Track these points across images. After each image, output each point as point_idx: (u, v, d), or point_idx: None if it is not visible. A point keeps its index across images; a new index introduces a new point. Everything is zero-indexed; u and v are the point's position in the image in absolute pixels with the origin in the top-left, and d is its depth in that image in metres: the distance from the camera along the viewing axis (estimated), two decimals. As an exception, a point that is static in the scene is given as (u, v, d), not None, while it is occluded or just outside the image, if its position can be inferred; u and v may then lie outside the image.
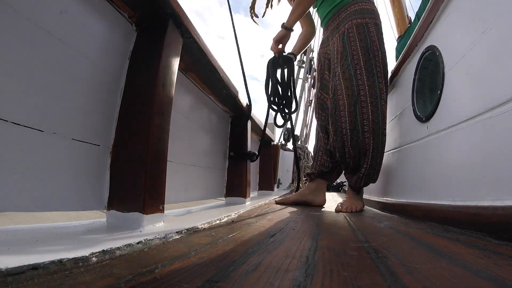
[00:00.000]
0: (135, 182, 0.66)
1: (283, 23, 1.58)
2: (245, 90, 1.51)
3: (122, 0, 0.71)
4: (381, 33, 1.51)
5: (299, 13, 1.56)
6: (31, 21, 0.53)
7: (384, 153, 1.49)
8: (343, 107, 1.45)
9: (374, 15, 1.50)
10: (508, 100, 0.69)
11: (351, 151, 1.45)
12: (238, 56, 1.46)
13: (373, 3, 1.56)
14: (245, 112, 1.56)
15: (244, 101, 1.49)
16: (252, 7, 1.82)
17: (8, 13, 0.50)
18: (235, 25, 1.44)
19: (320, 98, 1.69)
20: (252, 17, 1.90)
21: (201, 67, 1.05)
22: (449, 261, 0.45)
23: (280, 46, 1.61)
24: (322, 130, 1.69)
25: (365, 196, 2.01)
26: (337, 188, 4.52)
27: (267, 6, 1.92)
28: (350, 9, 1.51)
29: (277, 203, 1.64)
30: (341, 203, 1.46)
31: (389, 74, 1.66)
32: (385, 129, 1.43)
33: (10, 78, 0.51)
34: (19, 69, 0.52)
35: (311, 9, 1.70)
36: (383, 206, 1.51)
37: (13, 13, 0.50)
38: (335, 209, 1.42)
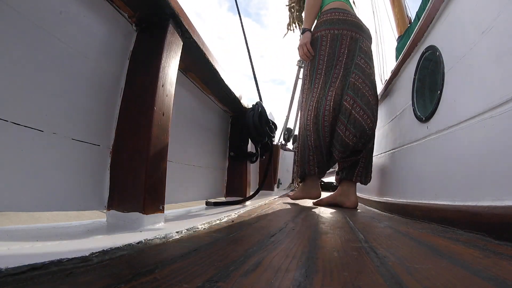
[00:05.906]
0: (135, 182, 0.66)
1: (305, 28, 1.72)
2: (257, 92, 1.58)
3: (122, 0, 0.71)
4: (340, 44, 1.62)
5: (315, 13, 1.72)
6: (31, 21, 0.53)
7: (384, 153, 1.49)
8: None
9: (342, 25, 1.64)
10: (508, 100, 0.69)
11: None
12: (249, 60, 1.51)
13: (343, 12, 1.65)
14: (245, 112, 1.56)
15: (243, 101, 1.49)
16: (290, 23, 2.35)
17: (8, 13, 0.50)
18: (244, 29, 1.48)
19: None
20: (288, 31, 2.41)
21: (201, 67, 1.05)
22: (449, 261, 0.45)
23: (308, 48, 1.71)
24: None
25: (365, 196, 2.02)
26: (329, 188, 4.54)
27: (288, 29, 2.41)
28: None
29: (289, 197, 1.85)
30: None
31: (389, 74, 1.66)
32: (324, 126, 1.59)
33: (10, 78, 0.51)
34: (19, 69, 0.52)
35: None
36: (383, 206, 1.51)
37: (13, 13, 0.50)
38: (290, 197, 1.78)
